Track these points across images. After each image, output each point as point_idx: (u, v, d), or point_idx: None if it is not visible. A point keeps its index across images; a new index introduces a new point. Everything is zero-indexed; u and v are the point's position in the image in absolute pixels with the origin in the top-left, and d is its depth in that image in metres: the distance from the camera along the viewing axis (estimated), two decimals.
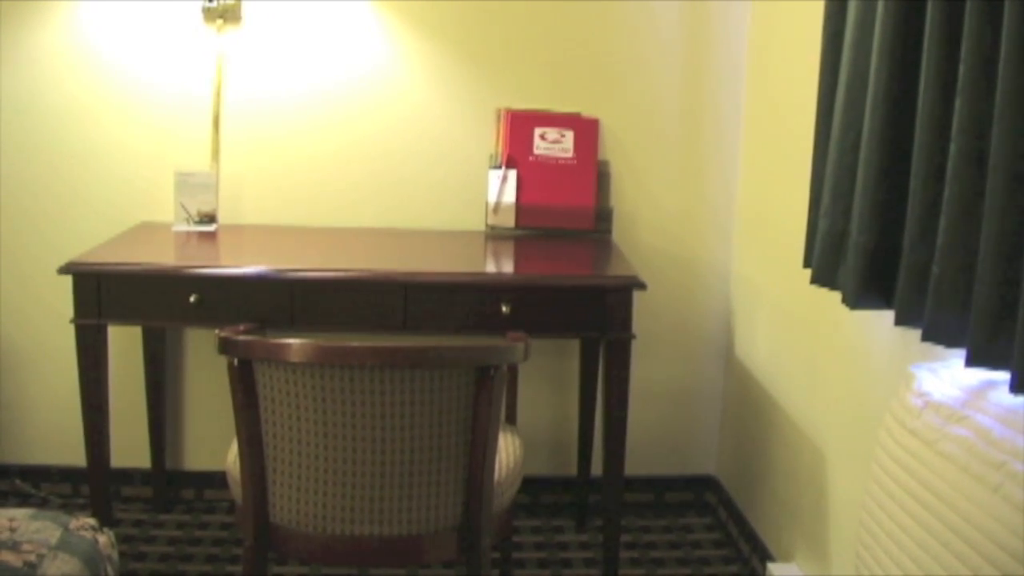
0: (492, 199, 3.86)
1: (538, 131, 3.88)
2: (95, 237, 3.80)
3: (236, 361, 2.64)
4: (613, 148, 3.98)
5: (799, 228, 2.98)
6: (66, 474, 4.16)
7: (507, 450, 3.00)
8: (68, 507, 3.97)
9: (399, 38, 3.92)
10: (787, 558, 3.47)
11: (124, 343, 3.97)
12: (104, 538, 2.55)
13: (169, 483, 4.15)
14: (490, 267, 3.66)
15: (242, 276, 3.27)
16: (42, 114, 3.96)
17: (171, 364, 4.10)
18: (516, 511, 3.62)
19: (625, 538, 3.88)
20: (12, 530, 2.41)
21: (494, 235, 3.88)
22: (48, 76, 3.94)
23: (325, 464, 2.65)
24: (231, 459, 2.90)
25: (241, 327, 2.90)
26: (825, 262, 2.72)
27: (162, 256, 3.52)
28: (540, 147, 3.87)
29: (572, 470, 4.15)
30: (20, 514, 2.51)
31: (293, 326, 3.28)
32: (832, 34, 2.76)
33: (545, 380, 4.13)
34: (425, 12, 3.90)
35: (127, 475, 4.12)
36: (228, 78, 3.92)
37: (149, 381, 4.00)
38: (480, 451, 2.69)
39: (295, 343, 2.55)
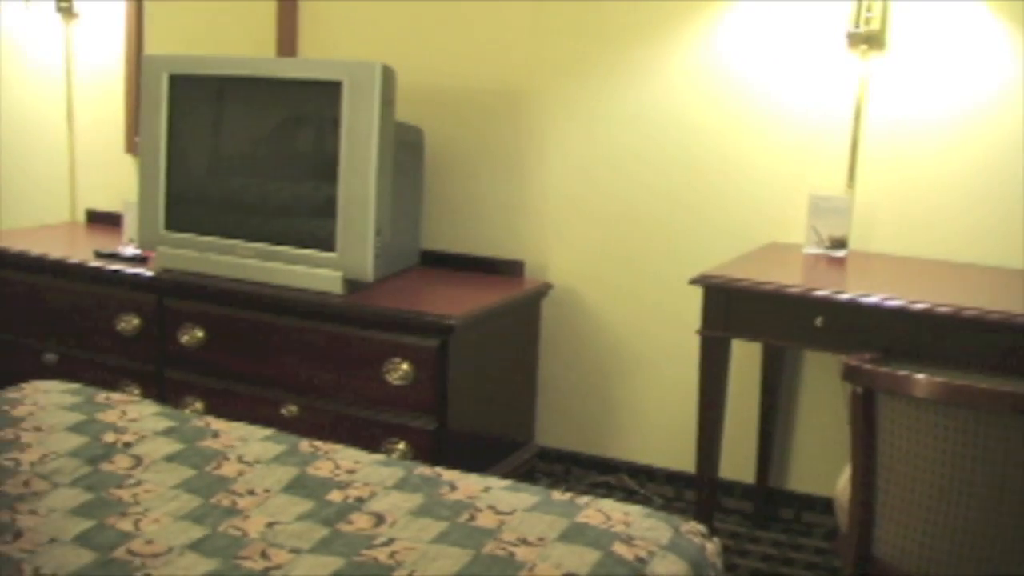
0: None
1: None
2: (725, 252, 3.92)
3: (859, 390, 2.63)
4: None
5: None
6: (670, 477, 4.32)
7: None
8: (667, 510, 4.10)
9: None
10: None
11: (744, 358, 4.04)
12: (711, 545, 2.62)
13: (769, 500, 4.19)
14: None
15: (870, 304, 3.24)
16: (680, 130, 4.14)
17: (787, 384, 4.14)
18: None
19: None
20: (627, 524, 2.51)
21: None
22: (685, 94, 4.12)
23: (938, 505, 2.58)
24: (840, 486, 2.89)
25: (866, 356, 2.88)
26: None
27: (790, 276, 3.54)
28: None
29: None
30: (634, 510, 2.61)
31: (917, 360, 3.20)
32: None
33: None
34: None
35: (729, 487, 4.21)
36: (869, 103, 3.90)
37: (763, 398, 4.07)
38: None
39: (921, 378, 2.51)
